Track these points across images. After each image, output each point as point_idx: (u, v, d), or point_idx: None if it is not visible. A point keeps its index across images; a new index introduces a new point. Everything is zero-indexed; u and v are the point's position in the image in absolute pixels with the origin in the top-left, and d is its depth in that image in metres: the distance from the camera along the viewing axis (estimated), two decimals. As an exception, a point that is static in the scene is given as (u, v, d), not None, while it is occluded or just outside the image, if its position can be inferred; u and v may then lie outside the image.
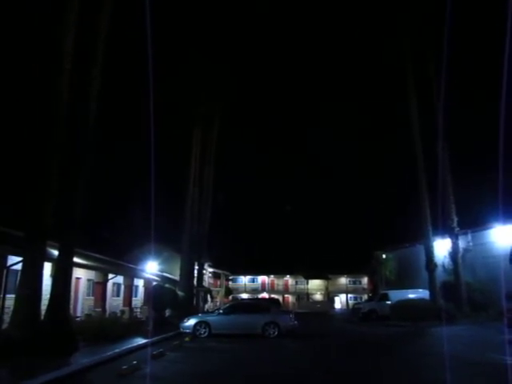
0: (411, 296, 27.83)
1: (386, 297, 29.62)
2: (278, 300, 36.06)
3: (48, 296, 12.86)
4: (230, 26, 30.03)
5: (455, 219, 26.52)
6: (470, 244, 28.13)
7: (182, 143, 29.84)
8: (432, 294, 26.13)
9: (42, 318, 12.35)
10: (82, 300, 21.21)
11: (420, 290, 28.47)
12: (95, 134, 14.71)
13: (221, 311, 19.85)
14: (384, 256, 39.23)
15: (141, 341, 14.97)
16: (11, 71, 20.29)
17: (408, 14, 27.18)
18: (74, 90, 13.56)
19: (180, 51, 28.36)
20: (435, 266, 26.47)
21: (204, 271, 36.88)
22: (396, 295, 28.32)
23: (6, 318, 13.10)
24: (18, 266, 12.99)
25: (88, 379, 9.52)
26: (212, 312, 23.94)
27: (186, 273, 28.26)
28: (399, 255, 38.35)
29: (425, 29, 26.56)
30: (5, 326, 12.73)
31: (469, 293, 25.01)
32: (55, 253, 13.82)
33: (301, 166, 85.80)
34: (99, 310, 21.22)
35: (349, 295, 65.14)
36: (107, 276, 22.52)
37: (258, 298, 46.26)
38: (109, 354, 11.70)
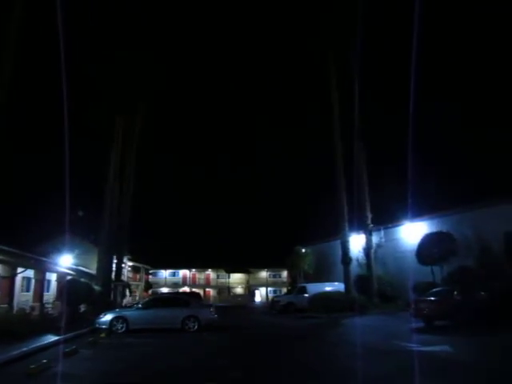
0: (328, 289, 28.93)
1: (303, 290, 30.57)
2: (198, 294, 35.97)
3: None
4: (157, 16, 29.40)
5: (369, 216, 28.07)
6: (382, 240, 29.94)
7: (103, 134, 28.56)
8: (346, 286, 27.52)
9: None
10: (-15, 296, 19.67)
11: (336, 283, 29.75)
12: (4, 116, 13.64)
13: (139, 306, 19.40)
14: (303, 250, 40.50)
15: (52, 338, 14.20)
16: None
17: (328, 17, 28.19)
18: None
19: (102, 37, 27.06)
20: (350, 260, 27.87)
21: (123, 265, 35.72)
22: (313, 288, 29.33)
23: None
24: None
25: (-9, 381, 8.88)
26: (130, 307, 23.31)
27: (104, 266, 27.20)
28: (317, 250, 39.83)
29: (346, 35, 27.71)
30: None
31: (380, 285, 26.61)
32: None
33: (224, 161, 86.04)
34: (5, 306, 19.78)
35: (269, 288, 66.53)
36: (16, 270, 21.05)
37: (178, 292, 45.76)
38: (15, 352, 10.98)
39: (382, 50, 28.30)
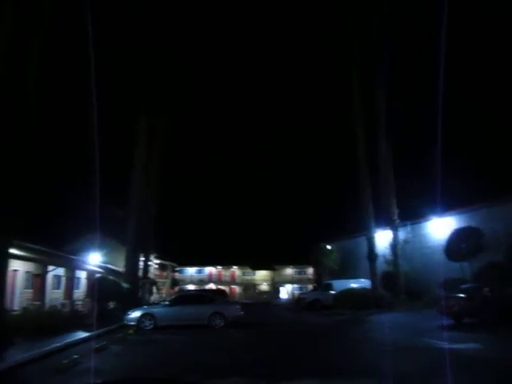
0: (353, 285, 28.75)
1: (329, 286, 30.44)
2: (224, 291, 36.12)
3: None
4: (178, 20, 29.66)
5: (396, 212, 27.67)
6: (409, 235, 29.45)
7: (128, 128, 28.90)
8: (373, 283, 27.23)
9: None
10: (19, 293, 20.26)
11: (362, 279, 29.50)
12: (34, 116, 14.00)
13: (166, 303, 19.68)
14: (328, 247, 40.24)
15: (82, 334, 14.56)
16: None
17: (354, 17, 27.84)
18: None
19: (125, 41, 27.41)
20: (376, 256, 27.55)
21: (150, 262, 36.28)
22: (339, 285, 29.18)
23: None
24: None
25: (24, 375, 9.14)
26: (157, 304, 23.65)
27: (131, 264, 27.66)
28: (343, 246, 39.50)
29: (370, 23, 27.35)
30: None
31: (406, 282, 26.24)
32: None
33: (249, 157, 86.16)
34: (38, 303, 20.36)
35: (294, 285, 66.37)
36: (47, 268, 21.63)
37: (204, 289, 46.16)
38: (47, 348, 11.30)
39: (408, 38, 27.80)
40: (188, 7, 30.64)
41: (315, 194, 76.25)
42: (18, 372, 9.08)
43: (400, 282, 26.16)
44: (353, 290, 27.31)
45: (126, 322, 18.15)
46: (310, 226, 60.14)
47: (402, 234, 28.66)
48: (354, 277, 31.51)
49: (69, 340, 13.12)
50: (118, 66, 27.27)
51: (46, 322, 14.85)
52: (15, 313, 16.71)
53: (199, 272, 67.89)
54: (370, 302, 24.17)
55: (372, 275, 27.46)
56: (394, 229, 27.76)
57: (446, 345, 10.91)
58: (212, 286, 61.00)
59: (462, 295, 16.04)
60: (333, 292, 28.71)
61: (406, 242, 28.55)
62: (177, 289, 56.61)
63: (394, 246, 27.54)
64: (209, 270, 67.77)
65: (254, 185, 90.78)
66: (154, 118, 29.63)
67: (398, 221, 27.77)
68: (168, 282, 56.44)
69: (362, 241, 29.80)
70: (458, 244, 21.87)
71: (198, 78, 33.66)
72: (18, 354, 10.26)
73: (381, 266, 28.00)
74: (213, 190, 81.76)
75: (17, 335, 12.17)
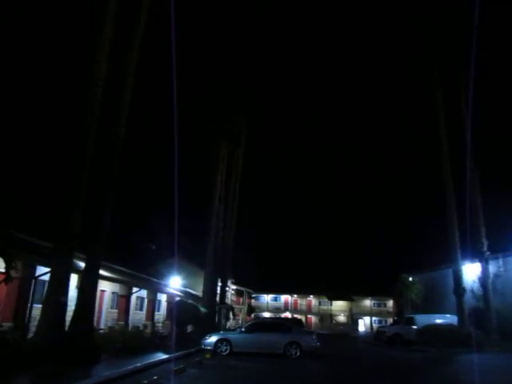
0: (438, 321, 27.03)
1: (411, 321, 28.82)
2: (300, 320, 35.62)
3: (73, 307, 13.06)
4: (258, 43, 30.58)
5: (485, 243, 25.76)
6: (501, 269, 27.25)
7: (208, 157, 29.98)
8: (460, 319, 25.32)
9: (67, 328, 12.52)
10: (105, 312, 21.41)
11: (448, 315, 27.62)
12: (123, 145, 15.05)
13: (243, 329, 19.68)
14: (410, 279, 38.37)
15: (162, 356, 14.99)
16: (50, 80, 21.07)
17: (437, 29, 27.10)
18: (105, 102, 13.95)
19: (204, 65, 28.72)
20: (464, 291, 25.68)
21: (227, 288, 36.74)
22: (422, 319, 27.56)
23: (32, 327, 13.35)
24: (46, 277, 13.26)
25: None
26: (234, 330, 23.78)
27: (209, 289, 28.21)
28: (426, 279, 37.45)
29: (454, 43, 26.42)
30: (30, 335, 12.97)
31: (498, 319, 24.14)
32: (82, 264, 14.07)
33: (328, 185, 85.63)
34: (122, 323, 21.36)
35: (373, 318, 63.76)
36: (131, 290, 22.72)
37: (280, 318, 45.77)
38: (130, 367, 11.74)
39: (494, 53, 26.43)
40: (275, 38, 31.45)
41: (397, 223, 73.53)
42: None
43: (491, 320, 24.09)
44: (438, 325, 25.64)
45: (202, 346, 18.42)
46: (390, 256, 57.92)
47: (493, 268, 26.57)
48: (438, 311, 29.66)
49: (149, 361, 13.55)
50: (197, 98, 28.56)
51: (129, 341, 15.50)
52: (101, 331, 17.66)
53: (275, 300, 67.62)
54: (457, 340, 22.43)
55: (459, 311, 25.54)
56: (484, 261, 25.80)
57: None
58: (288, 314, 60.38)
59: None
60: (415, 327, 27.14)
61: (497, 275, 26.43)
62: (253, 315, 56.71)
63: (484, 279, 25.54)
64: (285, 298, 67.27)
65: (333, 213, 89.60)
66: (232, 147, 30.53)
67: (488, 253, 25.81)
68: (244, 308, 56.71)
69: (448, 273, 28.01)
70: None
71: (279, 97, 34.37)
72: (103, 371, 10.78)
73: (468, 301, 26.00)
74: (289, 218, 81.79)
75: (102, 353, 12.82)
